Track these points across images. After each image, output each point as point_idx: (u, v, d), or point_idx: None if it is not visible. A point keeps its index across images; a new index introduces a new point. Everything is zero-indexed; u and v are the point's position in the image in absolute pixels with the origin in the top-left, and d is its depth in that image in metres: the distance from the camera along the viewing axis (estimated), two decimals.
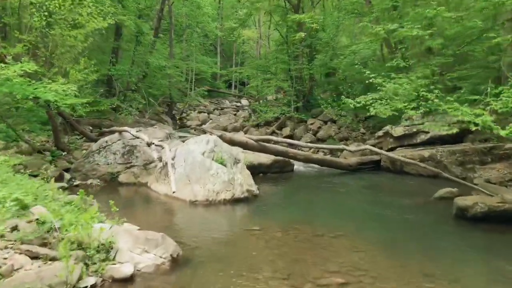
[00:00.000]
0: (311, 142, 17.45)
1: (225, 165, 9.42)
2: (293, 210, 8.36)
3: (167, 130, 11.61)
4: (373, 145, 14.70)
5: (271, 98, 27.53)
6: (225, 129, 22.58)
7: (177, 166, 9.60)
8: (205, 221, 7.39)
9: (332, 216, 7.85)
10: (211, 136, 10.14)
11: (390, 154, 11.87)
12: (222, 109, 33.83)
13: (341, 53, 18.43)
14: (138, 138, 10.68)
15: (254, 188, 9.47)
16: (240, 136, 11.26)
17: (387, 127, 13.72)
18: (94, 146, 11.18)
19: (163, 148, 9.83)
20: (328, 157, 13.17)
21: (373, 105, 7.44)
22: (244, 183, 9.24)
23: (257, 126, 20.94)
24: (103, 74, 17.49)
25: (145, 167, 10.75)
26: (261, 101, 25.67)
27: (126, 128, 11.29)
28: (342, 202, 9.23)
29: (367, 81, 10.97)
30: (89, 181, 10.62)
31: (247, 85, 37.38)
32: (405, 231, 6.95)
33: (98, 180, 10.69)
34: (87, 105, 12.52)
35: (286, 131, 19.33)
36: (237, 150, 10.81)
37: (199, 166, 9.15)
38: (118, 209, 5.95)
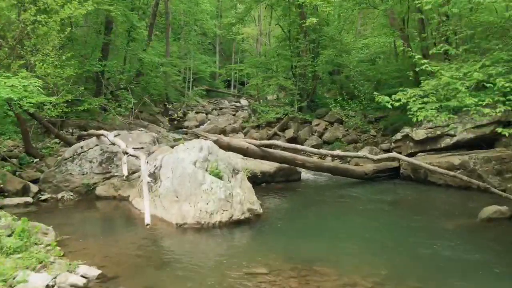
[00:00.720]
0: (316, 145, 15.50)
1: (221, 178, 7.47)
2: (307, 238, 6.41)
3: (154, 134, 9.63)
4: (389, 150, 12.78)
5: (271, 98, 25.63)
6: (223, 131, 20.64)
7: (163, 178, 7.65)
8: (193, 259, 5.44)
9: (358, 249, 5.89)
10: (205, 141, 8.19)
11: (426, 165, 9.77)
12: (220, 109, 31.87)
13: (351, 48, 16.45)
14: (115, 144, 8.70)
15: (257, 205, 7.52)
16: (239, 141, 9.25)
17: (406, 129, 11.76)
18: (67, 152, 9.22)
19: (138, 158, 7.79)
20: (341, 164, 11.19)
21: (418, 103, 5.46)
22: (244, 200, 7.28)
23: (258, 127, 18.97)
24: (91, 71, 15.50)
25: (128, 178, 8.78)
26: (261, 101, 23.70)
27: (103, 131, 9.32)
28: (366, 225, 7.27)
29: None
30: (60, 195, 8.68)
31: (246, 84, 35.46)
32: (465, 277, 4.93)
33: (72, 193, 8.77)
34: (66, 104, 10.56)
35: (289, 133, 17.37)
36: (236, 158, 8.89)
37: (189, 179, 7.20)
38: (62, 248, 3.96)
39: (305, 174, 11.23)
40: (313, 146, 15.35)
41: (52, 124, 11.62)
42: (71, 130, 15.60)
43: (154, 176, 7.90)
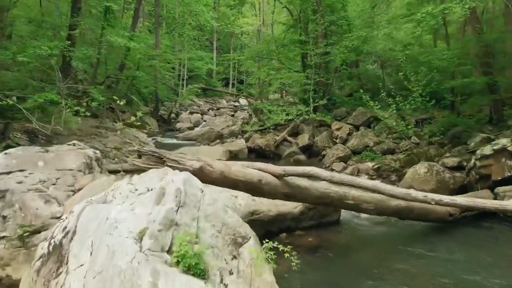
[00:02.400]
0: (344, 157, 10.88)
1: (204, 274, 2.89)
2: None
3: (91, 152, 5.06)
4: (459, 167, 8.26)
5: (272, 97, 21.06)
6: (220, 135, 16.03)
7: (72, 265, 3.09)
8: None
9: None
10: (176, 176, 3.58)
11: None
12: (218, 109, 27.33)
13: (382, 32, 11.86)
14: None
15: None
16: (244, 169, 4.38)
17: (503, 141, 7.11)
18: None
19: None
20: (399, 191, 6.34)
21: None
22: None
23: (261, 131, 14.37)
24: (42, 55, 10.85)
25: (23, 241, 4.19)
26: (263, 100, 19.08)
27: None
28: None
29: None
30: None
31: (245, 82, 30.91)
32: None
33: None
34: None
35: (303, 139, 12.79)
36: (240, 199, 4.31)
37: (122, 285, 2.62)
38: None
39: (344, 212, 6.64)
40: (339, 158, 10.80)
41: None
42: (18, 136, 11.01)
43: (58, 252, 3.35)
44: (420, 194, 4.96)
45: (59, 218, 4.29)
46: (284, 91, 21.87)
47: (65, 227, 3.49)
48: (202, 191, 3.57)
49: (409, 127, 9.29)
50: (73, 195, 4.48)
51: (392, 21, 10.70)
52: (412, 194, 4.89)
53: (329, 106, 14.38)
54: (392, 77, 14.63)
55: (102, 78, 16.91)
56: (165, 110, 23.24)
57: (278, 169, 4.50)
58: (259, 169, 4.49)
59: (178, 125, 21.75)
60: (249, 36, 30.87)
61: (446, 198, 5.19)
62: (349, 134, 12.51)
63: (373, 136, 12.12)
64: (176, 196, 3.28)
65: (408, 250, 5.49)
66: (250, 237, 3.60)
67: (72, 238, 3.34)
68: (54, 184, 4.47)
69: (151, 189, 3.48)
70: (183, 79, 27.56)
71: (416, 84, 8.73)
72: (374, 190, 4.71)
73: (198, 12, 26.51)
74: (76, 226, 3.39)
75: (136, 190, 3.58)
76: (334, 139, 12.58)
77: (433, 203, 4.90)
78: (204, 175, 4.03)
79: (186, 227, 3.20)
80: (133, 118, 5.06)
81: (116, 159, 6.82)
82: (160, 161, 4.04)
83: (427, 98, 8.81)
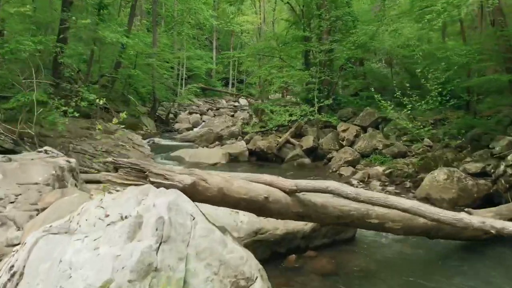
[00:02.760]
0: (353, 161, 10.02)
1: None
2: None
3: (62, 162, 4.15)
4: (483, 174, 7.38)
5: (273, 97, 20.14)
6: (219, 136, 15.13)
7: None
8: None
9: None
10: (159, 199, 2.68)
11: None
12: (217, 109, 26.44)
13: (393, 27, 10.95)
14: None
15: None
16: (247, 184, 3.40)
17: None
18: None
19: None
20: (446, 216, 5.10)
21: None
22: None
23: (262, 132, 13.46)
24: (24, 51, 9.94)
25: None
26: (264, 99, 18.17)
27: None
28: None
29: None
30: None
31: (246, 81, 29.98)
32: None
33: None
34: None
35: (308, 141, 11.90)
36: (238, 252, 3.44)
37: None
38: None
39: (361, 230, 5.72)
40: (348, 163, 9.92)
41: None
42: (2, 138, 10.14)
43: None
44: (475, 220, 3.94)
45: (17, 245, 3.40)
46: (284, 91, 20.97)
47: (12, 266, 2.60)
48: (194, 218, 2.68)
49: (426, 129, 8.38)
50: (36, 215, 3.58)
51: (404, 14, 9.79)
52: (464, 220, 3.89)
53: (334, 106, 13.49)
54: (400, 76, 13.73)
55: (97, 76, 15.99)
56: (163, 110, 22.36)
57: (289, 183, 3.60)
58: (265, 183, 3.59)
59: (177, 126, 20.88)
60: (249, 34, 29.90)
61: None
62: (356, 136, 11.62)
63: (382, 138, 11.22)
64: (157, 229, 2.40)
65: (438, 272, 4.60)
66: (256, 278, 2.71)
67: (17, 284, 2.45)
68: (12, 202, 3.57)
69: (126, 217, 2.59)
70: (182, 79, 26.65)
71: (434, 82, 7.82)
72: (415, 213, 3.79)
73: (197, 10, 25.62)
74: (24, 267, 2.50)
75: (107, 216, 2.69)
76: (340, 141, 11.69)
77: (493, 231, 3.93)
78: (197, 193, 3.14)
79: (170, 271, 2.31)
80: (114, 120, 4.16)
81: (96, 166, 5.93)
82: (142, 176, 3.14)
83: (447, 97, 7.91)
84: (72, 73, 15.30)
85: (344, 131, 11.82)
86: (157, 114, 20.58)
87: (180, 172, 3.14)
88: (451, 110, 10.91)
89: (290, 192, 3.58)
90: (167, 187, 2.96)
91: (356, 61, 14.86)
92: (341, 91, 16.81)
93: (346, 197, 3.58)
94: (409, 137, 10.80)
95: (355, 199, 3.56)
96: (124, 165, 3.06)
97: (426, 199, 7.42)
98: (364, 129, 11.91)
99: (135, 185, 3.01)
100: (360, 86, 16.20)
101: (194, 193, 3.07)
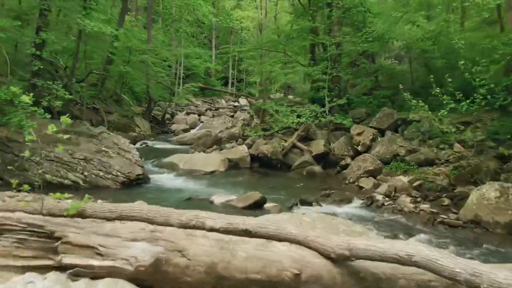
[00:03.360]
0: (374, 170, 8.40)
1: None
2: None
3: None
4: None
5: (273, 97, 18.53)
6: (218, 140, 13.50)
7: None
8: None
9: None
10: None
11: None
12: (216, 109, 24.83)
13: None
14: None
15: None
16: (260, 251, 1.86)
17: None
18: None
19: None
20: None
21: None
22: None
23: (265, 135, 11.79)
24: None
25: None
26: (265, 99, 16.54)
27: None
28: None
29: None
30: None
31: (246, 80, 28.37)
32: None
33: None
34: None
35: (318, 145, 10.30)
36: None
37: None
38: None
39: None
40: (368, 172, 8.33)
41: None
42: None
43: None
44: None
45: None
46: (286, 90, 19.40)
47: None
48: None
49: (466, 132, 6.81)
50: None
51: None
52: None
53: (345, 107, 11.89)
54: (418, 72, 12.15)
55: (84, 74, 14.35)
56: (159, 111, 20.72)
57: (335, 243, 1.98)
58: (292, 240, 2.00)
59: (173, 127, 19.27)
60: (249, 32, 28.24)
61: None
62: (373, 139, 10.03)
63: (403, 142, 9.64)
64: None
65: None
66: None
67: None
68: None
69: None
70: (179, 78, 25.03)
71: (480, 77, 6.24)
72: None
73: (196, 6, 23.99)
74: None
75: None
76: (354, 146, 10.09)
77: None
78: (164, 280, 1.55)
79: None
80: (51, 127, 2.61)
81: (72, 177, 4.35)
82: (51, 248, 1.54)
83: (502, 96, 6.35)
84: (57, 70, 13.72)
85: (359, 134, 10.21)
86: (152, 114, 18.94)
87: (132, 237, 1.54)
88: (484, 112, 9.31)
89: (338, 259, 1.96)
90: (100, 275, 1.37)
91: (369, 57, 13.31)
92: (350, 90, 15.24)
93: (451, 279, 1.92)
94: (435, 142, 9.25)
95: (468, 283, 1.89)
96: (13, 226, 1.46)
97: (475, 222, 5.85)
98: (382, 132, 10.33)
99: (34, 268, 1.42)
100: (370, 85, 14.64)
101: (159, 280, 1.48)
